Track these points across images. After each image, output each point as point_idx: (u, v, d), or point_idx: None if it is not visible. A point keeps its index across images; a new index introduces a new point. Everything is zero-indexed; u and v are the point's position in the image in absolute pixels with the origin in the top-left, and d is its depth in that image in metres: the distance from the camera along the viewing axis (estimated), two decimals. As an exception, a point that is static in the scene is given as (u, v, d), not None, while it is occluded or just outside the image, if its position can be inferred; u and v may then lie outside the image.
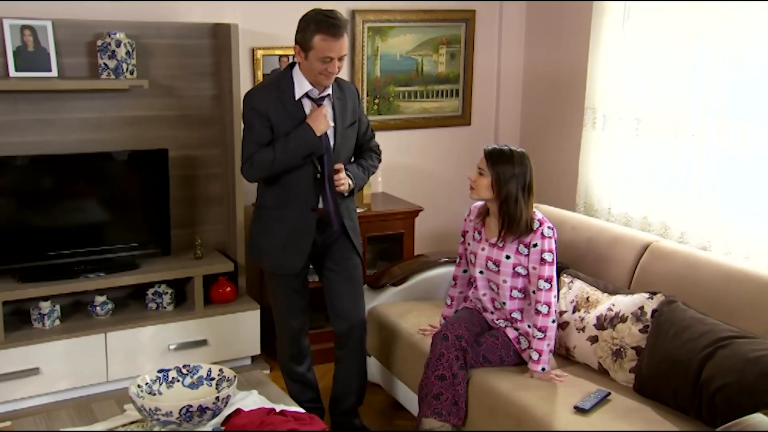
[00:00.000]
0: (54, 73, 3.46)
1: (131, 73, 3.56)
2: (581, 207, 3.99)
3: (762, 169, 3.10)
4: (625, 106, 3.75)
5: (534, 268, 2.83)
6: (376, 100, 4.47)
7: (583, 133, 4.01)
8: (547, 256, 2.80)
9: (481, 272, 2.95)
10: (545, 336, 2.78)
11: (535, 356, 2.78)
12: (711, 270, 2.75)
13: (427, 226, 4.53)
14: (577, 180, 4.05)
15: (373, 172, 3.18)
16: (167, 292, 3.72)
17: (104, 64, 3.51)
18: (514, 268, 2.87)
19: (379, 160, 3.19)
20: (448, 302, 3.15)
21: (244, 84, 3.97)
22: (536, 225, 2.83)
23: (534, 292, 2.83)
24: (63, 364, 3.39)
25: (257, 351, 3.86)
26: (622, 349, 2.72)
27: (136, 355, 3.54)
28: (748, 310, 2.55)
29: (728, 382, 2.31)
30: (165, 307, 3.73)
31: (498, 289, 2.91)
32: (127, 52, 3.52)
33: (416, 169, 4.65)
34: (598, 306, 2.88)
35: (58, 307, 3.52)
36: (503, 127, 4.83)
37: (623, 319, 2.75)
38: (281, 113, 2.85)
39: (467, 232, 3.06)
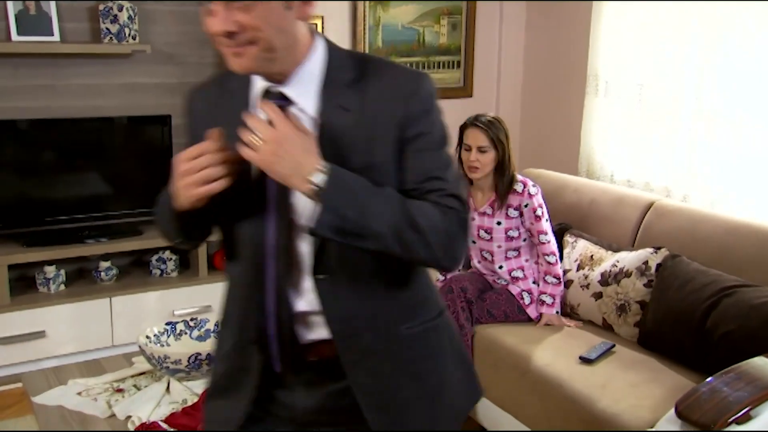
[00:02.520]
0: (56, 37, 3.46)
1: (133, 38, 3.56)
2: (583, 174, 4.00)
3: (764, 132, 3.11)
4: (627, 73, 3.76)
5: (531, 224, 2.89)
6: (378, 71, 4.46)
7: (585, 100, 4.01)
8: (539, 212, 2.88)
9: (473, 242, 2.97)
10: (559, 282, 2.86)
11: (549, 300, 2.85)
12: (715, 225, 2.77)
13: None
14: (579, 148, 4.06)
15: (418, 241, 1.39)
16: (171, 258, 3.73)
17: (106, 29, 3.51)
18: (506, 233, 2.90)
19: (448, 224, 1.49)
20: (441, 278, 3.08)
21: (246, 52, 3.97)
22: (519, 186, 2.86)
23: (538, 247, 2.91)
24: (68, 328, 3.40)
25: (261, 318, 3.87)
26: (626, 304, 2.74)
27: (141, 319, 3.55)
28: (753, 262, 2.57)
29: (732, 329, 2.33)
30: (169, 273, 3.73)
31: (492, 256, 2.93)
32: (129, 17, 3.51)
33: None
34: (602, 263, 2.90)
35: (62, 272, 3.53)
36: (504, 98, 4.82)
37: (627, 275, 2.76)
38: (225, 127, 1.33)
39: None
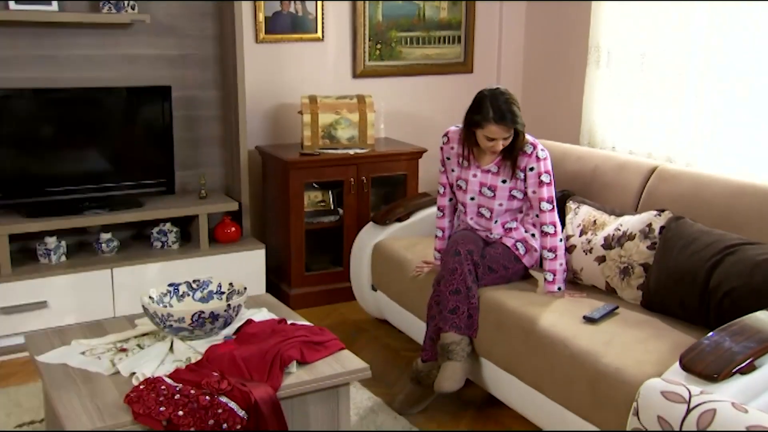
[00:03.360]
0: (54, 7, 3.44)
1: (132, 8, 3.54)
2: (585, 146, 3.99)
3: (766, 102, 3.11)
4: (629, 42, 3.74)
5: (534, 192, 2.86)
6: (378, 45, 4.44)
7: (587, 71, 4.00)
8: (545, 178, 2.84)
9: (472, 198, 2.95)
10: (556, 256, 2.82)
11: (549, 277, 2.81)
12: (718, 187, 2.76)
13: (429, 174, 4.49)
14: (581, 119, 4.05)
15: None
16: (172, 231, 3.72)
17: (105, -2, 3.49)
18: (510, 192, 2.90)
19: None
20: (439, 234, 3.11)
21: (246, 25, 3.95)
22: (529, 148, 2.84)
23: (537, 215, 2.88)
24: (70, 299, 3.39)
25: (262, 290, 3.86)
26: (629, 267, 2.73)
27: (142, 291, 3.53)
28: (757, 222, 2.57)
29: (736, 286, 2.33)
30: (170, 246, 3.73)
31: (491, 213, 2.94)
32: (129, -13, 3.50)
33: (418, 116, 4.63)
34: (605, 228, 2.89)
35: (63, 243, 3.52)
36: (505, 74, 4.81)
37: (631, 237, 2.76)
38: None
39: (449, 159, 3.01)
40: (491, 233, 2.96)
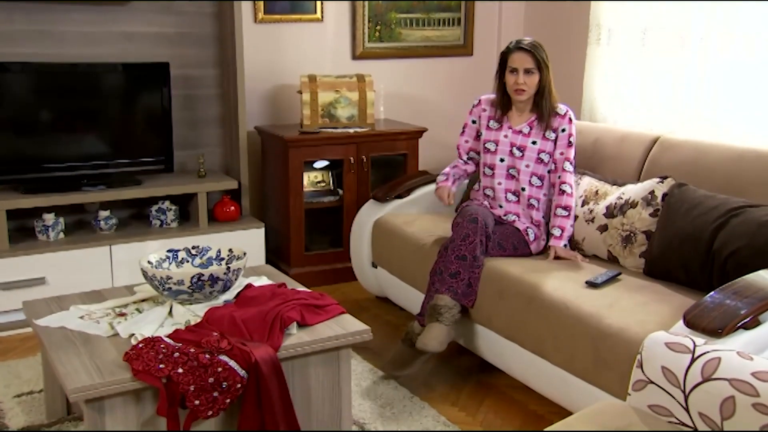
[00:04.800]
0: (51, -18, 3.43)
1: (131, -16, 3.53)
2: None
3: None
4: (630, 19, 3.73)
5: (561, 153, 2.95)
6: (378, 27, 4.43)
7: (588, 50, 3.99)
8: (572, 140, 2.95)
9: (501, 159, 3.00)
10: (569, 214, 2.89)
11: (557, 232, 2.86)
12: (720, 153, 2.75)
13: (426, 156, 4.46)
14: (582, 97, 4.03)
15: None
16: (171, 209, 3.70)
17: (103, -26, 3.47)
18: (538, 154, 2.96)
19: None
20: (443, 178, 3.11)
21: (245, 3, 3.94)
22: (562, 110, 2.96)
23: (559, 176, 2.94)
24: (69, 275, 3.37)
25: (262, 269, 3.85)
26: (632, 235, 2.71)
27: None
28: (760, 187, 2.55)
29: (740, 247, 2.31)
30: (169, 224, 3.71)
31: (519, 174, 2.97)
32: (127, -37, 3.48)
33: (418, 98, 4.62)
34: (607, 197, 2.87)
35: (62, 220, 3.50)
36: (505, 56, 4.78)
37: (633, 205, 2.74)
38: None
39: (474, 122, 3.08)
40: (515, 205, 2.98)
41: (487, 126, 3.04)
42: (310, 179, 4.08)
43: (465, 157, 3.15)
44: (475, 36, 4.72)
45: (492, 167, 3.01)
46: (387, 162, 4.17)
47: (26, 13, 3.46)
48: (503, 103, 3.01)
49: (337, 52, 4.32)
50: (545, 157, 2.95)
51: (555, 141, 2.95)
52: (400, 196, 3.59)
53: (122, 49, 3.68)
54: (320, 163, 4.09)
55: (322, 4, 4.21)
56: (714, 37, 3.32)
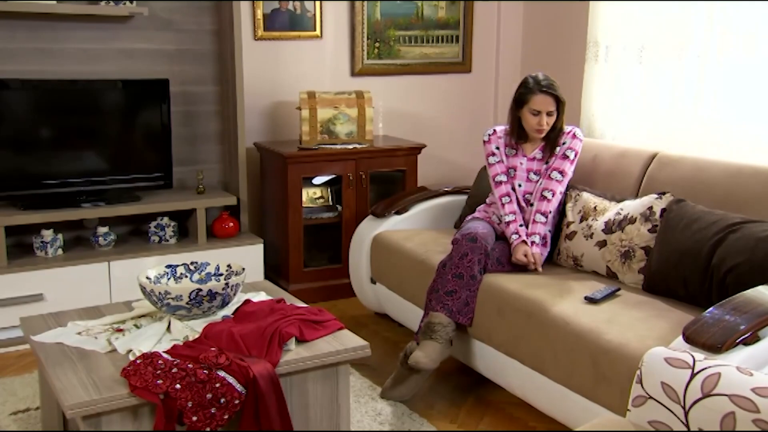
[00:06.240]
0: (52, 1, 3.44)
1: (131, 1, 3.54)
2: (584, 141, 3.99)
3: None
4: (628, 36, 3.75)
5: (553, 161, 3.00)
6: (377, 44, 4.45)
7: (586, 67, 4.00)
8: (569, 153, 2.99)
9: (520, 185, 3.05)
10: (546, 221, 2.93)
11: (537, 239, 2.90)
12: (719, 169, 2.76)
13: (425, 172, 4.46)
14: (580, 115, 4.05)
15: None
16: (170, 225, 3.70)
17: (104, -9, 3.50)
18: (549, 171, 3.01)
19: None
20: (512, 218, 2.97)
21: (244, 21, 3.96)
22: (568, 128, 3.03)
23: (542, 182, 2.98)
24: (67, 291, 3.36)
25: (261, 286, 3.84)
26: (630, 250, 2.71)
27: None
28: (759, 202, 2.55)
29: (739, 262, 2.31)
30: (168, 240, 3.71)
31: (532, 197, 3.03)
32: (127, -20, 3.51)
33: (416, 115, 4.64)
34: (605, 213, 2.88)
35: (60, 236, 3.50)
36: (504, 72, 4.81)
37: (632, 221, 2.74)
38: None
39: (495, 151, 3.09)
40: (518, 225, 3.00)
41: (504, 153, 3.10)
42: (309, 195, 4.08)
43: (510, 182, 3.07)
44: (473, 53, 4.75)
45: (513, 189, 3.08)
46: (386, 178, 4.18)
47: (28, 31, 3.48)
48: (519, 135, 3.06)
49: (336, 69, 4.34)
50: (556, 174, 3.00)
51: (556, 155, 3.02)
52: (398, 212, 3.59)
53: (122, 66, 3.70)
54: (319, 179, 4.09)
55: (321, 21, 4.23)
56: (711, 54, 3.34)
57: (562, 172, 2.97)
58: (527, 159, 3.05)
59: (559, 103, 2.97)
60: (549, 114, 2.95)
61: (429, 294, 2.81)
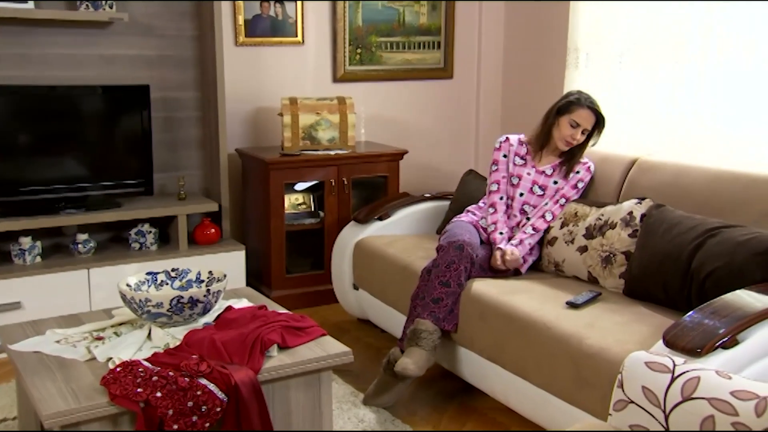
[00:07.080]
0: (30, 5, 3.41)
1: (110, 6, 3.52)
2: (565, 146, 4.01)
3: (749, 96, 3.14)
4: (607, 43, 3.79)
5: (563, 187, 3.04)
6: (359, 50, 4.45)
7: (566, 73, 4.04)
8: (580, 185, 3.05)
9: (521, 194, 3.07)
10: (535, 234, 2.97)
11: (515, 242, 2.94)
12: (699, 175, 2.79)
13: (407, 178, 4.47)
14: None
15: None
16: (150, 232, 3.68)
17: (83, -4, 3.47)
18: (556, 192, 3.06)
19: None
20: (504, 231, 3.00)
21: (225, 26, 3.95)
22: (586, 160, 3.08)
23: (546, 203, 3.03)
24: (45, 300, 3.32)
25: (243, 292, 3.82)
26: (611, 255, 2.73)
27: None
28: (737, 207, 2.59)
29: (718, 266, 2.33)
30: (148, 247, 3.68)
31: (533, 209, 3.07)
32: (107, -15, 3.48)
33: (399, 121, 4.64)
34: (586, 218, 2.89)
35: (38, 243, 3.46)
36: (485, 78, 4.83)
37: (612, 226, 2.76)
38: None
39: (506, 156, 3.13)
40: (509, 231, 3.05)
41: (513, 161, 3.13)
42: (291, 201, 4.07)
43: (503, 192, 3.10)
44: (455, 59, 4.76)
45: (512, 198, 3.10)
46: (368, 184, 4.18)
47: (6, 36, 3.45)
48: (542, 142, 3.09)
49: (318, 75, 4.34)
50: (562, 201, 3.05)
51: (567, 180, 3.08)
52: (381, 218, 3.59)
53: (103, 72, 3.67)
54: (301, 186, 4.09)
55: (303, 27, 4.23)
56: (691, 59, 3.37)
57: (568, 199, 3.03)
58: (536, 171, 3.08)
59: (597, 124, 2.99)
60: (584, 132, 2.99)
61: (413, 300, 2.81)
